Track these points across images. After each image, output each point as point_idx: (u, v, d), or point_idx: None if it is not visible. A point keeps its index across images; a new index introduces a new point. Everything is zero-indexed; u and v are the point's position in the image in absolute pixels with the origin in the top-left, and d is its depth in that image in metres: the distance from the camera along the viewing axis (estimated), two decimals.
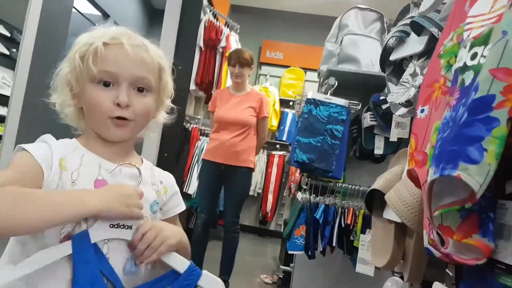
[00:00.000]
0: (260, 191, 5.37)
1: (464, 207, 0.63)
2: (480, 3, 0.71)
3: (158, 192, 0.86)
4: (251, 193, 5.29)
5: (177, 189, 0.93)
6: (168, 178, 0.92)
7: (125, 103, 0.76)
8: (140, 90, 0.79)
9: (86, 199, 0.67)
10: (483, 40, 0.65)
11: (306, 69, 5.56)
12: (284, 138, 5.37)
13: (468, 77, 0.65)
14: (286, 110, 5.43)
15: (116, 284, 0.72)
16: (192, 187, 3.88)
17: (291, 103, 5.34)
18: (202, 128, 3.94)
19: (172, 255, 0.76)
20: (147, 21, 6.77)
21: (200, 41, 3.51)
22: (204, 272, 0.78)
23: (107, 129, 0.78)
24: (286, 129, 5.37)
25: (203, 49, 3.57)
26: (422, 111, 0.85)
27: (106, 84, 0.76)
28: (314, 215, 2.01)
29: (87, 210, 0.66)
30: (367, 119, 2.04)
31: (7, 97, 3.84)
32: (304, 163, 1.97)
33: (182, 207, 0.92)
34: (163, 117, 0.89)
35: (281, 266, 3.45)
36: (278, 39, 5.82)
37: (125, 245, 0.75)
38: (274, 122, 5.26)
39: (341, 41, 2.17)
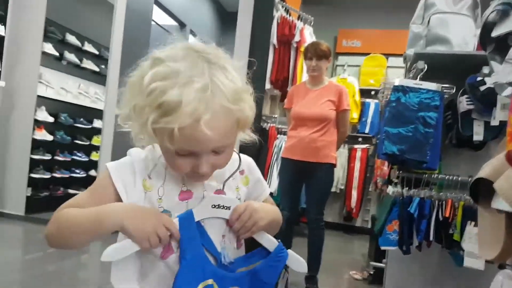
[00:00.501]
0: (342, 187, 5.23)
1: None
2: None
3: (238, 188, 0.86)
4: (333, 189, 5.18)
5: (259, 175, 0.91)
6: (248, 166, 0.90)
7: (207, 175, 0.77)
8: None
9: (106, 217, 0.72)
10: None
11: (387, 55, 5.29)
12: (366, 131, 5.16)
13: None
14: (368, 100, 5.20)
15: (218, 258, 0.79)
16: (273, 185, 3.90)
17: (372, 93, 5.11)
18: (279, 126, 3.93)
19: (263, 234, 0.83)
20: (220, 25, 6.95)
21: (274, 39, 3.50)
22: (290, 252, 0.84)
23: (184, 177, 0.79)
24: (369, 120, 5.15)
25: (276, 46, 3.56)
26: None
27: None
28: (408, 209, 1.90)
29: (105, 229, 0.72)
30: (463, 103, 1.87)
31: (101, 111, 4.18)
32: (394, 155, 1.86)
33: (266, 192, 0.93)
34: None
35: (371, 263, 3.32)
36: (354, 27, 5.61)
37: (219, 224, 0.81)
38: (354, 115, 5.08)
39: (428, 21, 2.01)
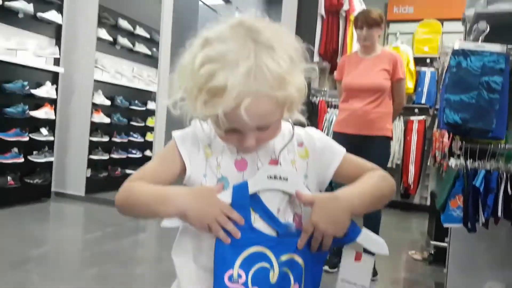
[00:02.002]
0: (399, 162, 5.03)
1: None
2: None
3: (293, 161, 0.82)
4: (388, 165, 4.98)
5: (325, 140, 0.85)
6: (310, 138, 0.85)
7: (253, 149, 0.77)
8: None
9: (169, 203, 0.75)
10: None
11: (442, 20, 5.00)
12: (423, 101, 4.91)
13: None
14: (423, 69, 4.96)
15: (275, 228, 0.75)
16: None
17: (428, 61, 4.87)
18: (329, 100, 3.83)
19: None
20: (266, 0, 6.83)
21: (321, 9, 3.38)
22: (364, 230, 0.77)
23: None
24: (425, 90, 4.88)
25: (324, 17, 3.44)
26: None
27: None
28: (473, 183, 1.77)
29: (168, 213, 0.76)
30: None
31: (154, 93, 4.29)
32: (456, 125, 1.73)
33: (339, 157, 0.84)
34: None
35: (432, 242, 3.18)
36: None
37: (275, 196, 0.78)
38: (409, 84, 4.83)
39: None
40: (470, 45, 1.77)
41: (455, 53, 1.77)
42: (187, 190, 0.77)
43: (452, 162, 1.94)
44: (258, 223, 0.75)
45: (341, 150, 0.85)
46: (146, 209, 0.78)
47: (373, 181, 0.82)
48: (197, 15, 4.63)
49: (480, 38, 1.81)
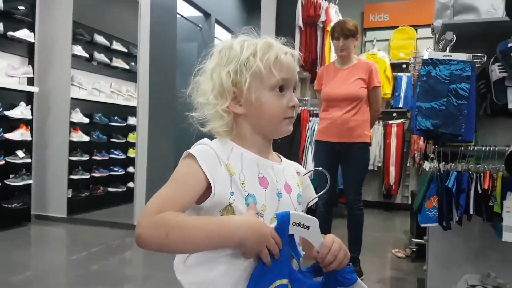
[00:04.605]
0: (380, 165, 5.16)
1: None
2: None
3: (298, 185, 0.92)
4: (370, 167, 5.10)
5: (309, 180, 0.97)
6: (301, 169, 0.97)
7: (298, 105, 0.88)
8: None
9: (233, 235, 0.74)
10: None
11: (416, 27, 5.15)
12: (400, 105, 5.05)
13: None
14: (400, 74, 5.11)
15: (298, 262, 0.81)
16: (308, 169, 3.89)
17: (404, 66, 5.01)
18: (311, 109, 3.90)
19: None
20: (245, 12, 6.91)
21: (299, 21, 3.46)
22: (359, 281, 0.85)
23: (281, 127, 0.87)
24: (402, 94, 5.03)
25: (302, 28, 3.52)
26: None
27: (281, 90, 0.86)
28: (446, 184, 1.86)
29: (230, 246, 0.76)
30: (496, 72, 1.80)
31: (134, 107, 4.25)
32: (428, 130, 1.82)
33: (315, 199, 0.97)
34: None
35: (413, 239, 3.28)
36: (381, 0, 5.48)
37: None
38: (387, 90, 4.97)
39: None
40: (438, 55, 1.85)
41: (425, 62, 1.86)
42: (241, 220, 0.77)
43: (427, 165, 2.03)
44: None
45: (314, 193, 0.98)
46: (199, 243, 0.74)
47: None
48: (175, 28, 4.63)
49: (448, 48, 1.90)
